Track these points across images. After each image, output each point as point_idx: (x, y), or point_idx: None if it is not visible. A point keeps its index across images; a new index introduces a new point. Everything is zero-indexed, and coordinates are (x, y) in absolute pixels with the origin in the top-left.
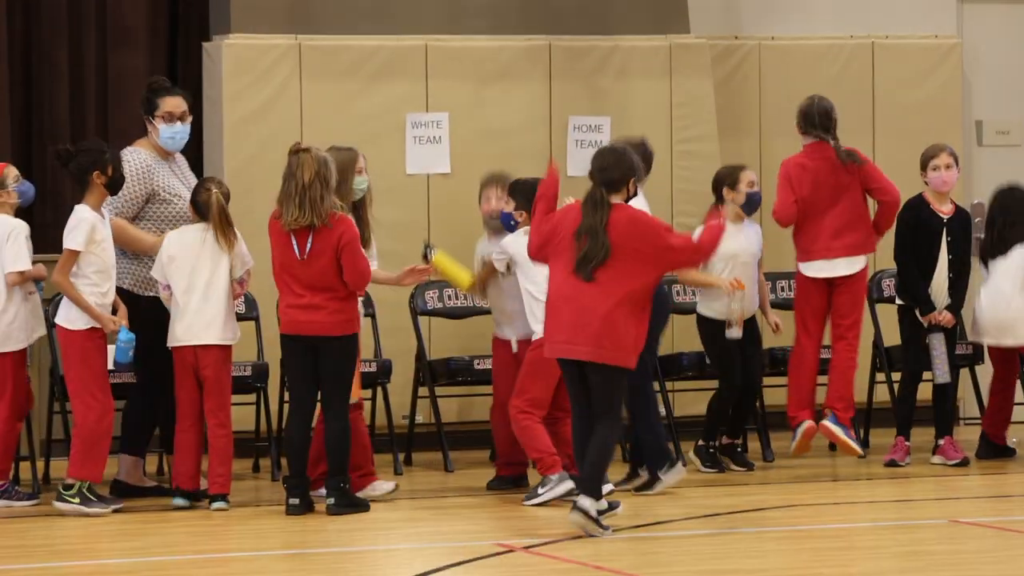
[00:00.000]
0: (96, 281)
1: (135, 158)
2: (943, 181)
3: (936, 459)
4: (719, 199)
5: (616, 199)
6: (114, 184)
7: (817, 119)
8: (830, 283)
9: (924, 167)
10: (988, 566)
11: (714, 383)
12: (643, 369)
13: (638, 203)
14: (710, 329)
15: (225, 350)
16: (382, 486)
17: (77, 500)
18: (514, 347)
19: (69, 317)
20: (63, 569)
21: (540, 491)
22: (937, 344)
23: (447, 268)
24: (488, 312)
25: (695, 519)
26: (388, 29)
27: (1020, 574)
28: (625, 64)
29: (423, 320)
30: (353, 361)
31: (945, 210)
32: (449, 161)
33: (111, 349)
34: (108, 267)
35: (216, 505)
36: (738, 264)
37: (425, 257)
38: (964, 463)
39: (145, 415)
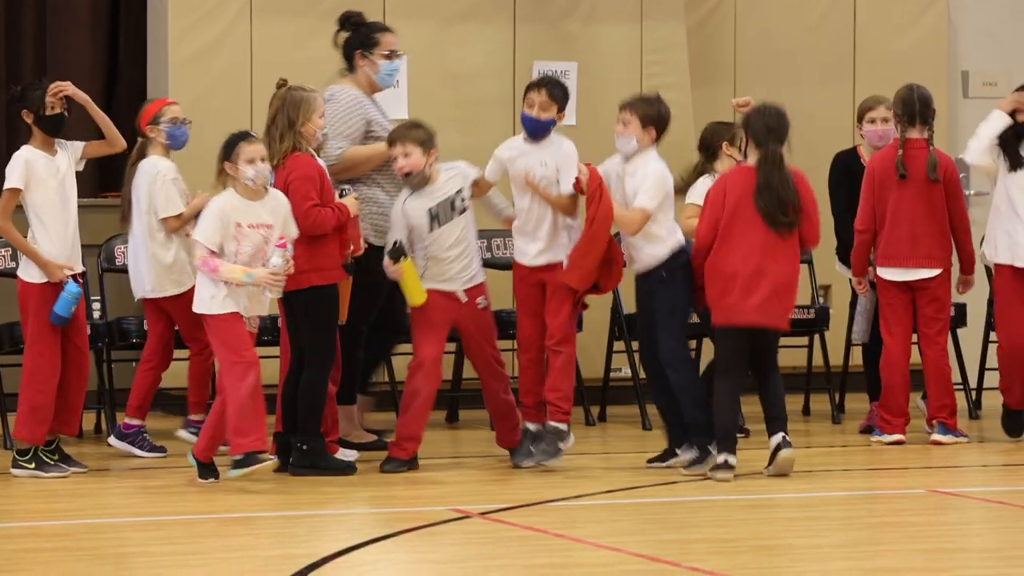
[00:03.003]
0: (47, 225)
1: (346, 93)
2: (879, 135)
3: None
4: (710, 157)
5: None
6: (45, 122)
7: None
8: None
9: (860, 119)
10: (968, 538)
11: None
12: (686, 338)
13: (653, 159)
14: None
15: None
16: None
17: (32, 465)
18: (462, 297)
19: (27, 269)
20: None
21: (561, 444)
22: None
23: (409, 279)
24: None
25: (660, 486)
26: None
27: (1001, 546)
28: (594, 7)
29: None
30: (325, 315)
31: None
32: (407, 107)
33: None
34: (58, 211)
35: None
36: None
37: (395, 257)
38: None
39: (350, 361)
